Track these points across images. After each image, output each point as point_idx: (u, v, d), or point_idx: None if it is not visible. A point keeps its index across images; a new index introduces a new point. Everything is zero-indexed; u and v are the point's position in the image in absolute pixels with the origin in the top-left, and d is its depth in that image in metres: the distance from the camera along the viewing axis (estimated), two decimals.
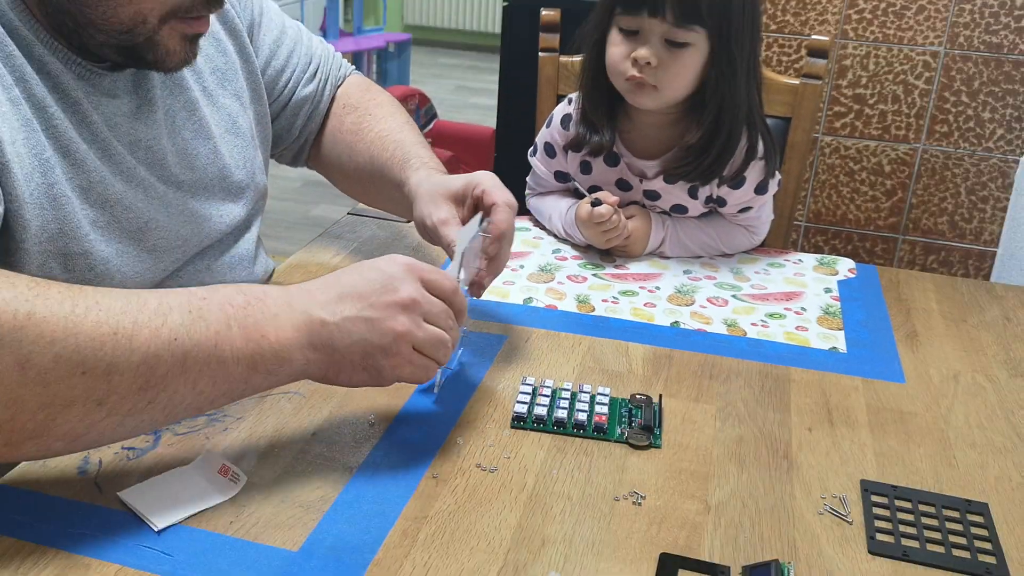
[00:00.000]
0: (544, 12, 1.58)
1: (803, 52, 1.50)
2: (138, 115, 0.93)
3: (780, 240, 1.57)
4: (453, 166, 3.43)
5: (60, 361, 0.65)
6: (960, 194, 1.85)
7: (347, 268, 0.81)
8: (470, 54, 6.48)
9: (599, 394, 0.92)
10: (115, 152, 0.90)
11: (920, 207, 1.88)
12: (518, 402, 0.90)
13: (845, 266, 1.29)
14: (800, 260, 1.31)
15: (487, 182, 0.99)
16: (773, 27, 1.85)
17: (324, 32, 4.83)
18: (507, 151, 2.64)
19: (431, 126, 3.84)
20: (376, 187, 1.17)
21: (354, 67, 1.30)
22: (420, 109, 3.79)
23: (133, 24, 0.84)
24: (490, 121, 2.97)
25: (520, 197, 1.40)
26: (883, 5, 1.79)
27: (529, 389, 0.92)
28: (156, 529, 0.72)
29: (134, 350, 0.68)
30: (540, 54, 1.60)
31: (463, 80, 5.85)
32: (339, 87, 1.24)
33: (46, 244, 0.82)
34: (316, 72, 1.20)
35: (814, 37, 1.47)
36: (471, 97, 5.44)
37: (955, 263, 1.90)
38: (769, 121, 1.52)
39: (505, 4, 2.48)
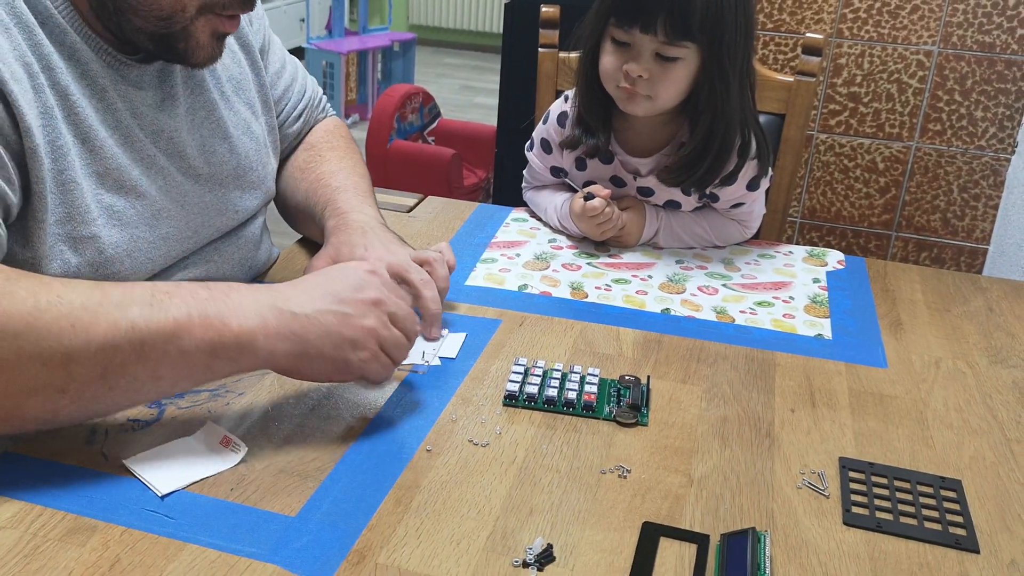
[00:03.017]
0: (544, 8, 1.61)
1: (798, 50, 1.53)
2: (162, 107, 0.96)
3: (774, 234, 1.60)
4: (456, 164, 3.47)
5: (22, 354, 0.70)
6: (952, 191, 1.88)
7: (317, 272, 0.86)
8: (475, 54, 6.51)
9: (589, 374, 0.95)
10: (137, 140, 0.93)
11: (913, 204, 1.90)
12: (510, 381, 0.93)
13: (834, 258, 1.32)
14: (791, 252, 1.34)
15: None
16: (770, 25, 1.88)
17: (329, 31, 4.86)
18: (508, 147, 2.67)
19: (435, 124, 3.87)
20: (306, 224, 1.19)
21: (333, 112, 1.32)
22: (424, 107, 3.82)
23: (172, 11, 0.87)
24: (493, 120, 3.00)
25: (519, 191, 1.43)
26: (878, 4, 1.82)
27: (521, 369, 0.95)
28: (160, 494, 0.75)
29: (91, 340, 0.72)
30: (539, 50, 1.63)
31: (468, 80, 5.88)
32: (312, 127, 1.27)
33: (55, 227, 0.86)
34: (302, 114, 1.23)
35: (808, 35, 1.49)
36: (475, 97, 5.48)
37: (947, 260, 1.92)
38: (763, 117, 1.55)
39: (507, 2, 2.51)
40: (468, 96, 5.49)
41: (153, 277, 0.96)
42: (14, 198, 0.82)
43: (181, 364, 0.76)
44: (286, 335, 0.79)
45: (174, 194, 0.97)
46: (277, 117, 1.18)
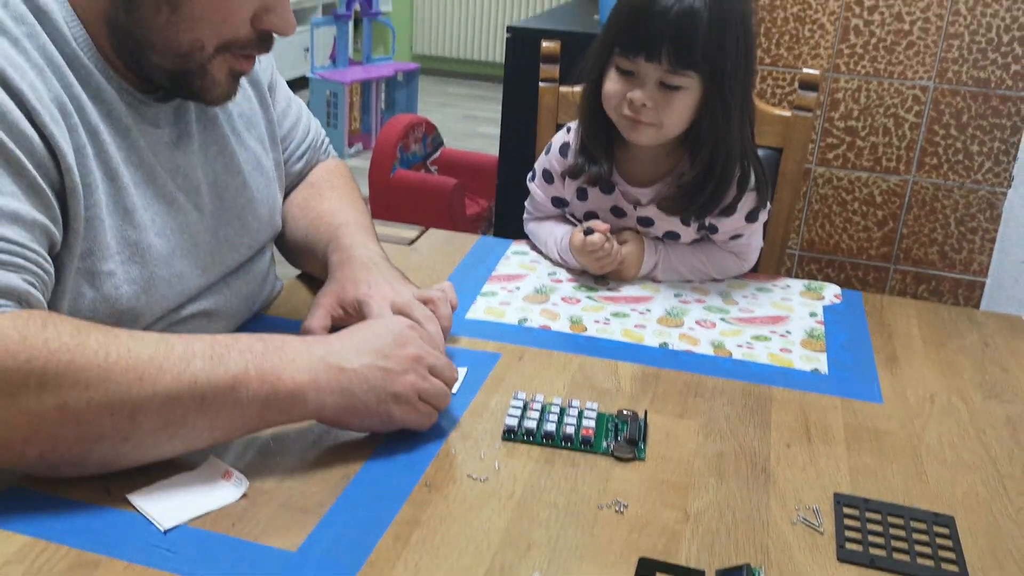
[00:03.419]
0: (544, 44, 1.64)
1: (796, 84, 1.55)
2: (178, 145, 0.99)
3: (773, 267, 1.62)
4: (459, 193, 3.49)
5: (92, 404, 0.74)
6: (950, 225, 1.89)
7: (360, 324, 0.91)
8: (478, 83, 6.57)
9: (587, 409, 0.96)
10: (158, 176, 0.95)
11: (911, 237, 1.92)
12: (509, 415, 0.94)
13: (831, 292, 1.33)
14: (788, 285, 1.35)
15: (374, 307, 1.01)
16: (767, 60, 1.90)
17: (333, 61, 4.91)
18: (509, 177, 2.69)
19: (437, 154, 3.90)
20: (306, 259, 1.21)
21: (335, 153, 1.34)
22: (427, 137, 3.85)
23: (191, 49, 0.90)
24: (496, 150, 3.03)
25: (520, 221, 1.45)
26: (874, 40, 1.85)
27: (520, 404, 0.96)
28: (162, 529, 0.76)
29: (157, 393, 0.76)
30: (540, 84, 1.65)
31: (470, 109, 5.93)
32: (314, 167, 1.29)
33: (77, 262, 0.87)
34: (305, 153, 1.25)
35: (805, 71, 1.52)
36: (478, 126, 5.52)
37: (945, 292, 1.94)
38: (762, 151, 1.57)
39: (508, 35, 2.54)
40: (471, 125, 5.53)
41: (167, 313, 0.97)
42: (58, 235, 0.84)
43: (237, 415, 0.80)
44: (335, 389, 0.84)
45: (189, 231, 0.99)
46: (283, 154, 1.20)
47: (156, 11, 0.87)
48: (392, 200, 3.54)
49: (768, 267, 1.61)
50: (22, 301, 0.77)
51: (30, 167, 0.80)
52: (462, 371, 1.04)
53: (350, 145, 4.71)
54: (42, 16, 0.86)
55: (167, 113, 0.98)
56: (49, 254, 0.83)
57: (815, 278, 1.99)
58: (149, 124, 0.95)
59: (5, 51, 0.81)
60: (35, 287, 0.79)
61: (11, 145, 0.79)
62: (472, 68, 6.61)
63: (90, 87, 0.89)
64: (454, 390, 1.00)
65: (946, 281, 1.92)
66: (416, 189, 3.52)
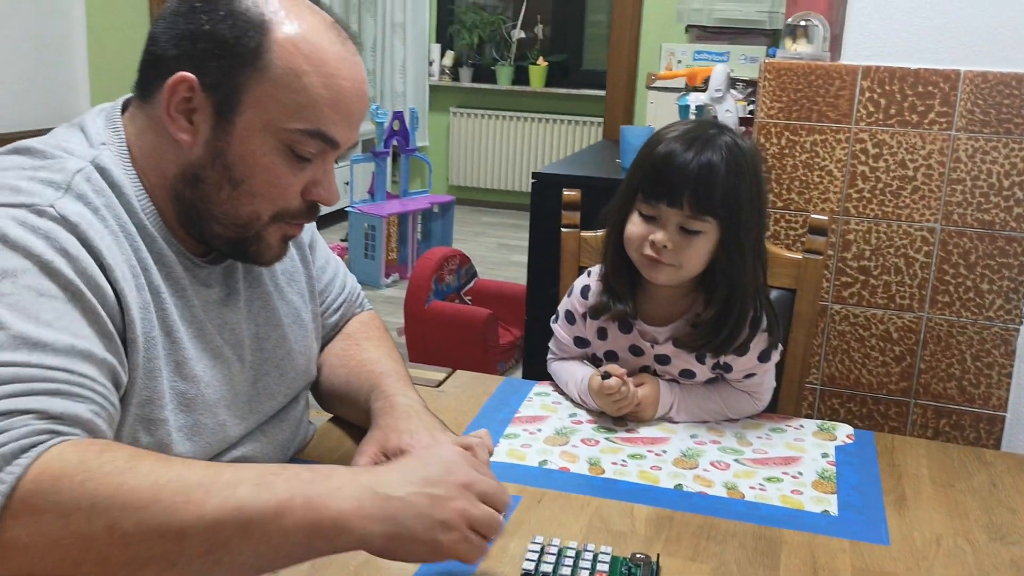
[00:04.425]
0: (566, 192, 1.73)
1: (807, 228, 1.63)
2: (226, 302, 1.09)
3: (792, 404, 1.66)
4: (492, 324, 3.58)
5: (141, 526, 0.77)
6: (966, 360, 1.94)
7: (411, 454, 0.95)
8: (512, 213, 6.74)
9: (601, 552, 1.01)
10: (207, 332, 1.05)
11: (929, 372, 1.96)
12: (526, 559, 0.99)
13: (844, 432, 1.37)
14: (801, 426, 1.40)
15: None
16: (780, 204, 1.99)
17: (372, 195, 5.09)
18: (536, 316, 2.78)
19: (471, 284, 4.02)
20: (345, 406, 1.28)
21: (370, 307, 1.42)
22: (460, 269, 3.97)
23: (249, 220, 1.01)
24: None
25: (546, 361, 1.52)
26: (880, 185, 1.94)
27: (537, 547, 1.01)
28: None
29: (203, 516, 0.78)
30: (563, 230, 1.75)
31: (504, 238, 6.08)
32: (349, 319, 1.37)
33: (135, 409, 0.95)
34: (341, 307, 1.34)
35: (813, 216, 1.60)
36: (512, 255, 5.65)
37: (967, 427, 1.96)
38: (776, 292, 1.64)
39: (533, 180, 2.67)
40: (505, 254, 5.67)
41: (209, 459, 1.04)
42: (124, 377, 0.92)
43: (282, 543, 0.81)
44: (380, 517, 0.83)
45: (232, 382, 1.07)
46: (320, 307, 1.29)
47: (219, 188, 1.00)
48: (427, 331, 3.63)
49: (787, 404, 1.65)
50: (87, 430, 0.84)
51: (104, 315, 0.90)
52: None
53: (387, 275, 4.84)
54: (117, 190, 0.98)
55: (218, 274, 1.08)
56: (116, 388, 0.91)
57: (837, 413, 2.03)
58: (202, 284, 1.06)
59: (87, 217, 0.93)
60: (101, 418, 0.86)
61: (88, 294, 0.89)
62: (506, 198, 6.80)
63: (154, 251, 1.00)
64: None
65: (966, 415, 1.95)
66: (450, 320, 3.61)
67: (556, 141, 6.50)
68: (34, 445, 0.78)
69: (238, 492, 0.80)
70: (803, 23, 2.03)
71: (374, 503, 0.84)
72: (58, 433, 0.80)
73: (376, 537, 0.84)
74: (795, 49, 2.03)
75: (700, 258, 1.31)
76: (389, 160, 5.11)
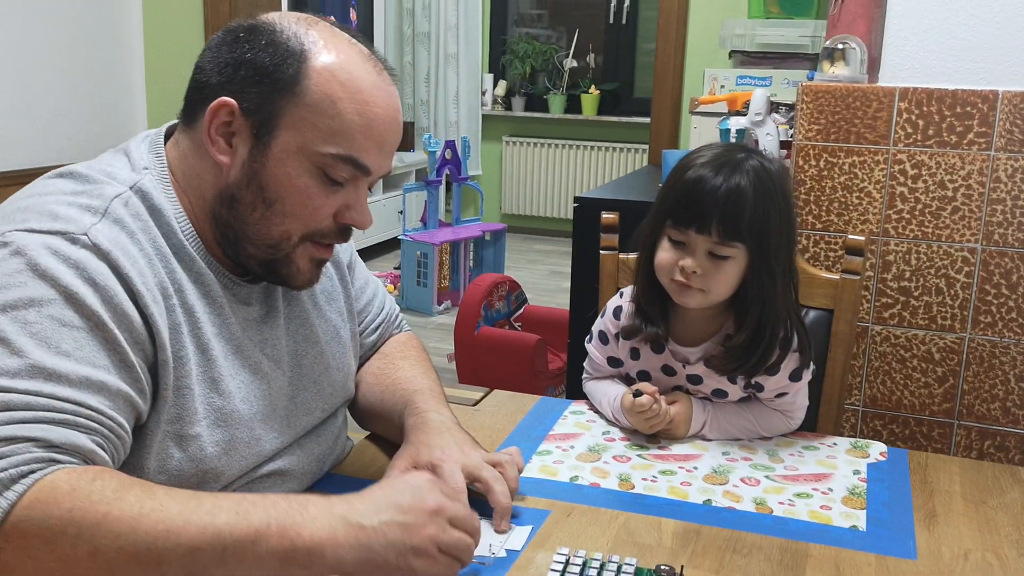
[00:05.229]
0: (604, 215, 1.77)
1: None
2: (266, 320, 1.14)
3: (831, 425, 1.65)
4: (541, 349, 3.61)
5: (122, 552, 0.81)
6: (1009, 380, 1.92)
7: (382, 483, 0.96)
8: (564, 240, 6.78)
9: (626, 564, 1.03)
10: (245, 348, 1.09)
11: (972, 393, 1.94)
12: (551, 570, 1.01)
13: (877, 450, 1.38)
14: (835, 443, 1.40)
15: (447, 467, 1.11)
16: (819, 226, 2.00)
17: (424, 223, 5.17)
18: (579, 338, 2.80)
19: (521, 311, 4.05)
20: (381, 423, 1.32)
21: (409, 328, 1.46)
22: (510, 295, 4.01)
23: (280, 240, 1.06)
24: None
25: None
26: (919, 207, 1.93)
27: (562, 559, 1.03)
28: None
29: (181, 544, 0.83)
30: (601, 252, 1.78)
31: (556, 266, 6.12)
32: (387, 339, 1.42)
33: (165, 425, 1.00)
34: (379, 327, 1.38)
35: (850, 237, 1.61)
36: (563, 282, 5.68)
37: (1012, 448, 1.94)
38: (813, 312, 1.65)
39: (575, 204, 2.70)
40: (556, 281, 5.70)
41: (245, 473, 1.09)
42: (143, 405, 0.97)
43: (257, 569, 0.84)
44: (353, 545, 0.87)
45: (270, 397, 1.12)
46: (358, 326, 1.34)
47: (252, 208, 1.05)
48: (477, 357, 3.67)
49: (826, 424, 1.66)
50: (87, 459, 0.87)
51: (124, 343, 0.94)
52: (525, 529, 1.11)
53: (439, 303, 4.90)
54: (156, 213, 1.03)
55: (257, 293, 1.13)
56: (137, 422, 0.96)
57: (880, 434, 2.02)
58: (241, 303, 1.10)
59: (122, 242, 0.98)
60: (103, 448, 0.90)
61: (111, 325, 0.93)
62: (557, 226, 6.84)
63: (192, 271, 1.05)
64: (519, 547, 1.07)
65: (1011, 436, 1.93)
66: (499, 346, 3.65)
67: (606, 168, 6.54)
68: (31, 472, 0.82)
69: (216, 520, 0.84)
70: (840, 46, 2.04)
71: (347, 532, 0.87)
72: (56, 461, 0.84)
73: (350, 564, 0.87)
74: (833, 72, 2.04)
75: (729, 282, 1.33)
76: (442, 188, 5.19)
